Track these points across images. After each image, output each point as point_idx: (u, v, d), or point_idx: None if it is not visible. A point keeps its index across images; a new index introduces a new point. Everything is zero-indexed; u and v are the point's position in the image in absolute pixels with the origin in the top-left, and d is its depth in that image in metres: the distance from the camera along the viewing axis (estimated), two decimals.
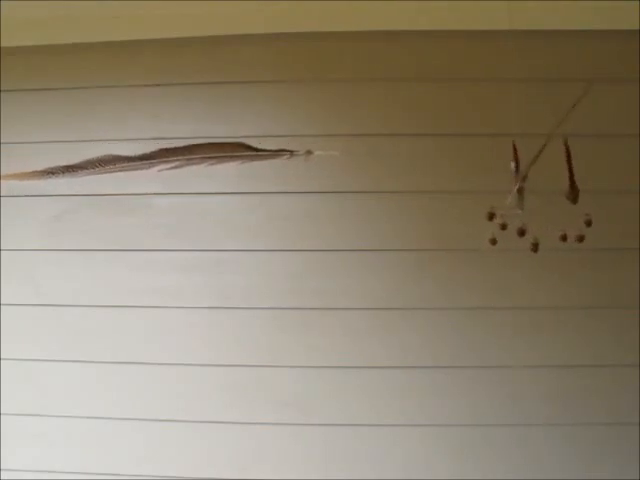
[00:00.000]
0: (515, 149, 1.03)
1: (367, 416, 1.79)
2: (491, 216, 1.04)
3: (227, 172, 1.81)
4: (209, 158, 0.91)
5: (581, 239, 1.04)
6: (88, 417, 1.84)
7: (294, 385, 1.80)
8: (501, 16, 1.73)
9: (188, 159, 0.90)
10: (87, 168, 0.93)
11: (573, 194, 1.06)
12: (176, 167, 0.90)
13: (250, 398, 1.81)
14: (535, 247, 1.05)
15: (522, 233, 1.05)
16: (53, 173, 0.95)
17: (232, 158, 0.93)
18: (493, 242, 1.06)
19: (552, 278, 1.76)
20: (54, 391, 1.85)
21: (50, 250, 1.86)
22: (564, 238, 1.07)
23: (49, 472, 1.85)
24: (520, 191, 1.03)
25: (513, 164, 1.08)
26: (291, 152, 0.93)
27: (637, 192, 1.74)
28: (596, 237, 1.72)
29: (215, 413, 1.82)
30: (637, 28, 1.71)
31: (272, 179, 1.80)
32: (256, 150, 0.90)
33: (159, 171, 0.89)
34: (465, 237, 1.75)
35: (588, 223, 1.07)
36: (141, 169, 0.90)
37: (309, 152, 0.93)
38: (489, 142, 1.74)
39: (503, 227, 1.03)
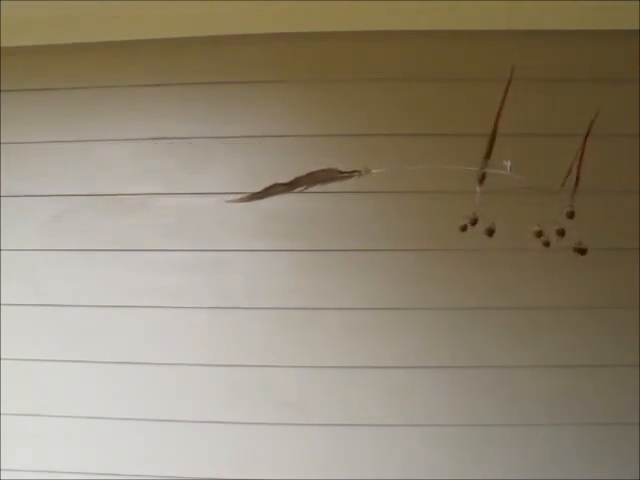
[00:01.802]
0: (584, 150, 1.05)
1: (368, 416, 1.79)
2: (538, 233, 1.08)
3: (226, 172, 1.82)
4: (318, 181, 1.18)
5: (562, 233, 1.06)
6: (88, 417, 1.84)
7: (294, 385, 1.80)
8: (501, 16, 1.73)
9: (309, 182, 1.17)
10: (266, 194, 1.19)
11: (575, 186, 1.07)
12: (304, 189, 1.16)
13: (250, 398, 1.81)
14: (583, 251, 1.09)
15: (490, 233, 1.09)
16: (247, 198, 1.23)
17: (328, 180, 1.19)
18: (546, 244, 1.09)
19: (552, 278, 1.76)
20: (54, 391, 1.85)
21: (50, 250, 1.86)
22: (539, 234, 1.08)
23: (49, 472, 1.85)
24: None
25: (509, 163, 1.10)
26: (359, 172, 1.15)
27: (637, 192, 1.74)
28: (596, 237, 1.72)
29: (215, 413, 1.82)
30: (637, 28, 1.71)
31: (272, 179, 1.79)
32: (341, 172, 1.15)
33: (296, 192, 1.16)
34: (465, 237, 1.75)
35: (570, 215, 1.07)
36: (290, 191, 1.16)
37: (367, 170, 1.15)
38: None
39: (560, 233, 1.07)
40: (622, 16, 1.71)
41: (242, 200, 1.24)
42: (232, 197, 1.29)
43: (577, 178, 1.06)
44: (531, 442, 1.77)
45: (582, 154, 1.03)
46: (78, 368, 1.84)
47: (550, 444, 1.76)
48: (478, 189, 1.09)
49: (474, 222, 1.09)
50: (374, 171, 1.16)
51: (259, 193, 1.19)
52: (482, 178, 1.09)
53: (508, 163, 1.11)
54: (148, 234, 1.83)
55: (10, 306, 1.85)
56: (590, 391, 1.76)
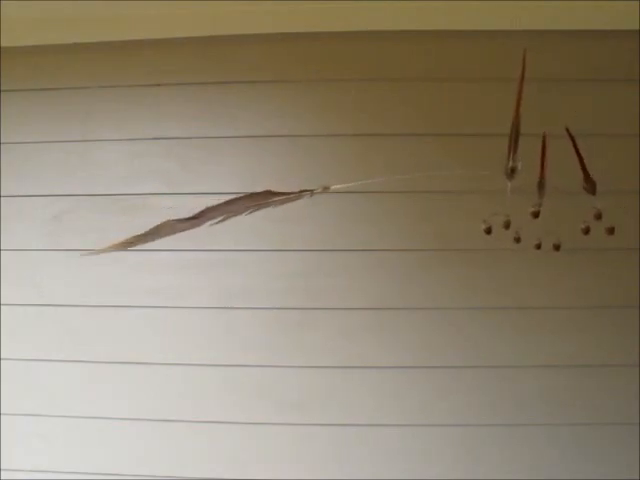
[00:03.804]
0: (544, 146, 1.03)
1: (367, 416, 1.79)
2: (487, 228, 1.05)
3: (226, 172, 1.82)
4: (247, 207, 1.02)
5: (611, 231, 1.05)
6: (88, 417, 1.84)
7: (294, 385, 1.80)
8: (502, 16, 1.73)
9: (230, 212, 1.00)
10: (156, 234, 1.01)
11: (590, 185, 1.06)
12: (223, 220, 1.00)
13: (250, 398, 1.81)
14: (557, 247, 1.07)
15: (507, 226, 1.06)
16: (131, 242, 1.02)
17: (265, 204, 1.02)
18: (518, 240, 1.08)
19: (552, 278, 1.76)
20: (54, 391, 1.85)
21: (50, 250, 1.86)
22: (587, 231, 1.07)
23: (49, 472, 1.85)
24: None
25: (520, 163, 1.08)
26: (311, 191, 0.99)
27: (637, 192, 1.74)
28: (596, 237, 1.72)
29: (215, 413, 1.82)
30: (637, 28, 1.72)
31: (272, 179, 1.80)
32: (282, 194, 0.99)
33: (210, 226, 0.99)
34: (465, 237, 1.76)
35: (597, 216, 1.07)
36: (195, 227, 0.99)
37: (326, 188, 0.99)
38: (489, 142, 1.74)
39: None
40: (622, 16, 1.71)
41: (133, 244, 1.03)
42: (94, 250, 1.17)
43: (542, 178, 1.05)
44: (531, 442, 1.77)
45: (544, 155, 1.01)
46: (78, 368, 1.84)
47: (550, 444, 1.76)
48: (509, 185, 1.04)
49: (507, 225, 1.04)
50: (334, 187, 1.06)
51: (146, 235, 1.01)
52: (512, 173, 1.04)
53: (519, 163, 1.09)
54: None
55: (10, 306, 1.85)
56: (590, 391, 1.76)
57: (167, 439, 1.83)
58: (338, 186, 1.03)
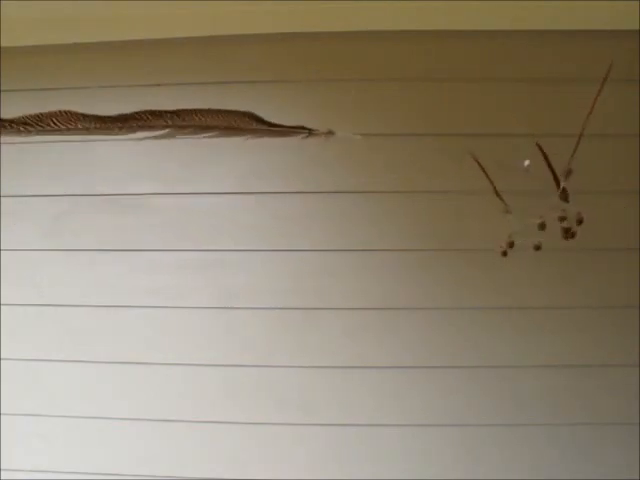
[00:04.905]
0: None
1: (367, 416, 1.79)
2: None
3: (227, 172, 1.82)
4: (206, 129, 0.73)
5: (573, 235, 1.04)
6: (88, 417, 1.84)
7: (294, 385, 1.80)
8: (501, 16, 1.73)
9: (179, 127, 0.72)
10: (35, 125, 0.70)
11: (563, 194, 1.06)
12: (163, 136, 0.71)
13: (250, 398, 1.81)
14: (537, 248, 1.07)
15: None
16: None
17: (236, 131, 0.75)
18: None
19: (552, 278, 1.76)
20: (54, 391, 1.85)
21: (50, 250, 1.86)
22: (542, 226, 1.06)
23: (49, 472, 1.85)
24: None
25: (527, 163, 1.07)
26: (310, 130, 0.81)
27: (637, 192, 1.74)
28: (596, 237, 1.73)
29: (215, 413, 1.82)
30: (637, 28, 1.72)
31: (272, 179, 1.80)
32: (268, 124, 0.72)
33: (140, 140, 0.70)
34: (465, 237, 1.76)
35: (580, 221, 1.07)
36: (114, 134, 0.70)
37: (330, 132, 0.82)
38: (489, 142, 1.74)
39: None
40: (622, 16, 1.71)
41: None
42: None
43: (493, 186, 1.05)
44: (531, 442, 1.77)
45: (484, 167, 1.00)
46: (78, 368, 1.84)
47: (550, 444, 1.76)
48: (561, 184, 1.02)
49: (569, 233, 1.03)
50: (340, 134, 0.91)
51: (15, 120, 0.71)
52: (568, 174, 1.02)
53: (527, 162, 1.07)
54: (148, 234, 1.83)
55: (10, 306, 1.85)
56: (590, 391, 1.75)
57: (167, 439, 1.83)
58: (343, 133, 0.89)
